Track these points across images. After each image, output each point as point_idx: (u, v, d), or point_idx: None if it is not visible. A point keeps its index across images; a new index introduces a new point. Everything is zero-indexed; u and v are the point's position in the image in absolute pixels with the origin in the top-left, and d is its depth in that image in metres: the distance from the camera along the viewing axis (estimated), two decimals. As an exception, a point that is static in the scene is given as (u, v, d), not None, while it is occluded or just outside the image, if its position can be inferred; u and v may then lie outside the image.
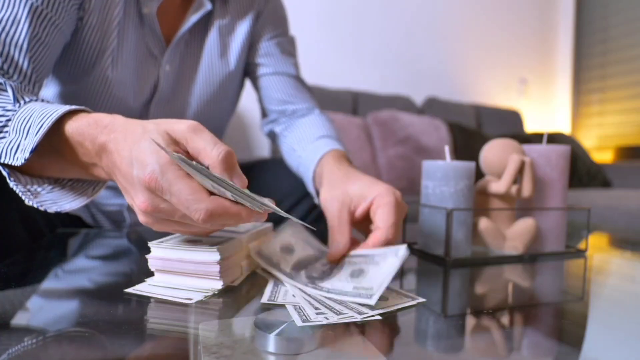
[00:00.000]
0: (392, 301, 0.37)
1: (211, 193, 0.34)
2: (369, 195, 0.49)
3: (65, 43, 0.63)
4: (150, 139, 0.35)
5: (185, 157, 0.35)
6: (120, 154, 0.37)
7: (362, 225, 0.51)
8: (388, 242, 0.45)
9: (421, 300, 0.38)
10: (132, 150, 0.36)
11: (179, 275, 0.40)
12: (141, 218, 0.37)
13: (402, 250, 0.38)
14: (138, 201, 0.36)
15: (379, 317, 0.33)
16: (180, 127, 0.37)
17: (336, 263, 0.46)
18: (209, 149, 0.35)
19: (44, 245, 0.61)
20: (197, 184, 0.34)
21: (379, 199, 0.47)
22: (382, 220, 0.46)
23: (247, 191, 0.35)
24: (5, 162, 0.44)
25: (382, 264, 0.38)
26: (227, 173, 0.35)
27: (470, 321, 0.37)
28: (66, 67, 0.67)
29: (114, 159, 0.38)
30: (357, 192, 0.50)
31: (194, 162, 0.34)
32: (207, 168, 0.35)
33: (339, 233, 0.47)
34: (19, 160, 0.43)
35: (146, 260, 0.41)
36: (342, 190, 0.51)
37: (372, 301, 0.34)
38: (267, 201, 0.36)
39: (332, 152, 0.67)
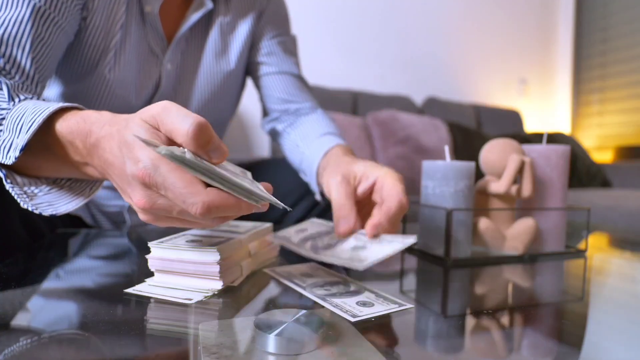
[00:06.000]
0: (378, 307, 0.36)
1: (208, 185, 0.32)
2: (371, 174, 0.48)
3: (68, 43, 0.63)
4: (132, 133, 0.33)
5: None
6: (113, 152, 0.36)
7: (362, 206, 0.50)
8: (403, 208, 0.44)
9: (409, 306, 0.37)
10: (122, 147, 0.34)
11: (179, 275, 0.40)
12: (141, 216, 0.36)
13: (411, 238, 0.38)
14: (135, 199, 0.34)
15: (351, 319, 0.33)
16: (154, 110, 0.34)
17: (344, 238, 0.46)
18: (179, 126, 0.32)
19: (44, 245, 0.61)
20: (190, 176, 0.32)
21: (383, 177, 0.47)
22: (392, 190, 0.45)
23: (240, 182, 0.32)
24: None
25: (385, 244, 0.39)
26: (202, 150, 0.33)
27: (470, 321, 0.37)
28: (69, 67, 0.67)
29: (107, 157, 0.37)
30: (360, 170, 0.50)
31: (186, 155, 0.30)
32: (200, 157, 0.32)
33: (344, 208, 0.46)
34: (10, 159, 0.42)
35: (146, 260, 0.41)
36: (345, 169, 0.51)
37: (362, 266, 0.35)
38: (263, 189, 0.35)
39: (338, 147, 0.69)
